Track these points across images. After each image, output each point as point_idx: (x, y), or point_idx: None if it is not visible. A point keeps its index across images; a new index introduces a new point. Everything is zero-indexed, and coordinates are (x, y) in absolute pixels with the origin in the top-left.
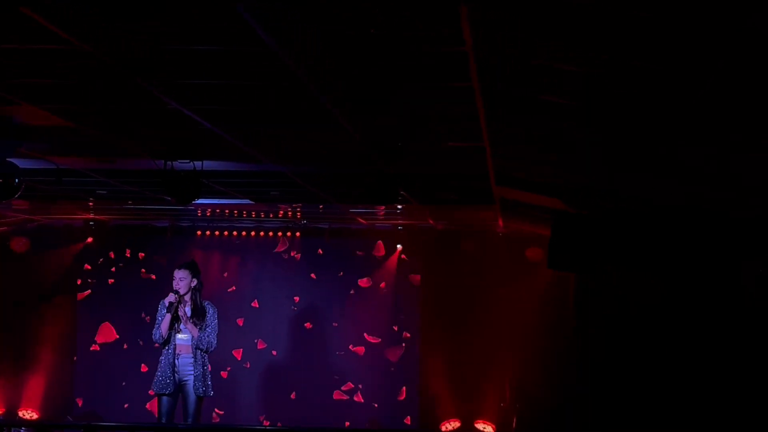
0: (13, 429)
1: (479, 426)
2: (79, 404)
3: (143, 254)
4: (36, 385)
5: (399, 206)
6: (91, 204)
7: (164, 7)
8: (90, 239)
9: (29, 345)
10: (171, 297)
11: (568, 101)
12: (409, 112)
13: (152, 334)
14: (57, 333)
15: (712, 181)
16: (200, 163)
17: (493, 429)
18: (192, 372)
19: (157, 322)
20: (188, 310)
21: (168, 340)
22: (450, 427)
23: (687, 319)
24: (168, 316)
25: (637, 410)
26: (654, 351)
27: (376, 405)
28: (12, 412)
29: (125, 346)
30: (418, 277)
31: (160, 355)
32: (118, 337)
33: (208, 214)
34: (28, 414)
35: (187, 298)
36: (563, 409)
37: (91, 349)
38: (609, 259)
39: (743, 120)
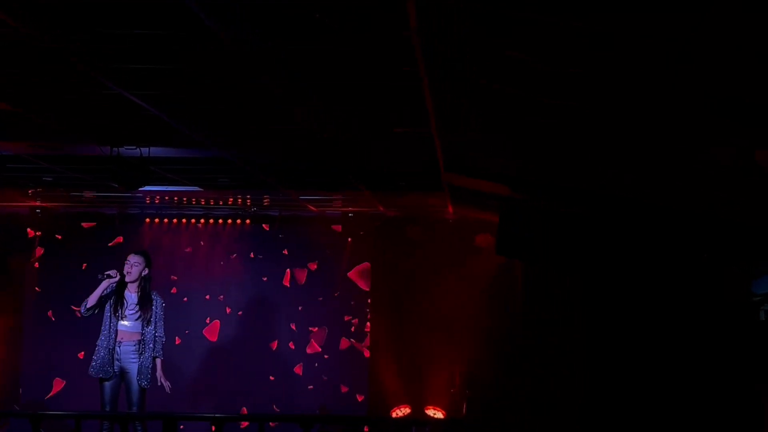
0: None
1: (429, 412)
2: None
3: (91, 242)
4: None
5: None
6: (38, 191)
7: None
8: (38, 228)
9: None
10: (113, 272)
11: (516, 89)
12: (356, 97)
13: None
14: (3, 323)
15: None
16: (147, 149)
17: (444, 414)
18: (136, 361)
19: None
20: (134, 297)
21: (92, 308)
22: (400, 413)
23: (627, 309)
24: (101, 287)
25: (582, 395)
26: (597, 336)
27: (326, 392)
28: None
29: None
30: (367, 264)
31: (99, 338)
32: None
33: (157, 202)
34: None
35: (135, 285)
36: (512, 394)
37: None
38: (553, 246)
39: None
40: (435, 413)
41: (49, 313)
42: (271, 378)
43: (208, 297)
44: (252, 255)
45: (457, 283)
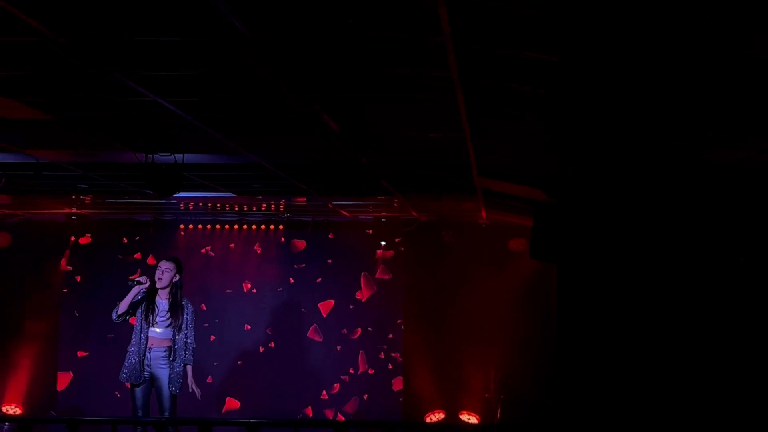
0: None
1: (464, 417)
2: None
3: (125, 249)
4: (19, 380)
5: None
6: (73, 198)
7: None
8: (72, 234)
9: (12, 340)
10: (143, 278)
11: (546, 91)
12: (389, 103)
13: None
14: (40, 328)
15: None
16: (181, 155)
17: (478, 420)
18: (166, 367)
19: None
20: (166, 303)
21: (124, 314)
22: (435, 419)
23: (658, 310)
24: (131, 293)
25: (618, 401)
26: (634, 341)
27: (363, 397)
28: None
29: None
30: (401, 269)
31: (130, 345)
32: None
33: (191, 208)
34: (11, 409)
35: (166, 292)
36: (547, 399)
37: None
38: (588, 250)
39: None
40: (469, 418)
41: (83, 317)
42: (308, 382)
43: (244, 302)
44: (286, 260)
45: (492, 287)
